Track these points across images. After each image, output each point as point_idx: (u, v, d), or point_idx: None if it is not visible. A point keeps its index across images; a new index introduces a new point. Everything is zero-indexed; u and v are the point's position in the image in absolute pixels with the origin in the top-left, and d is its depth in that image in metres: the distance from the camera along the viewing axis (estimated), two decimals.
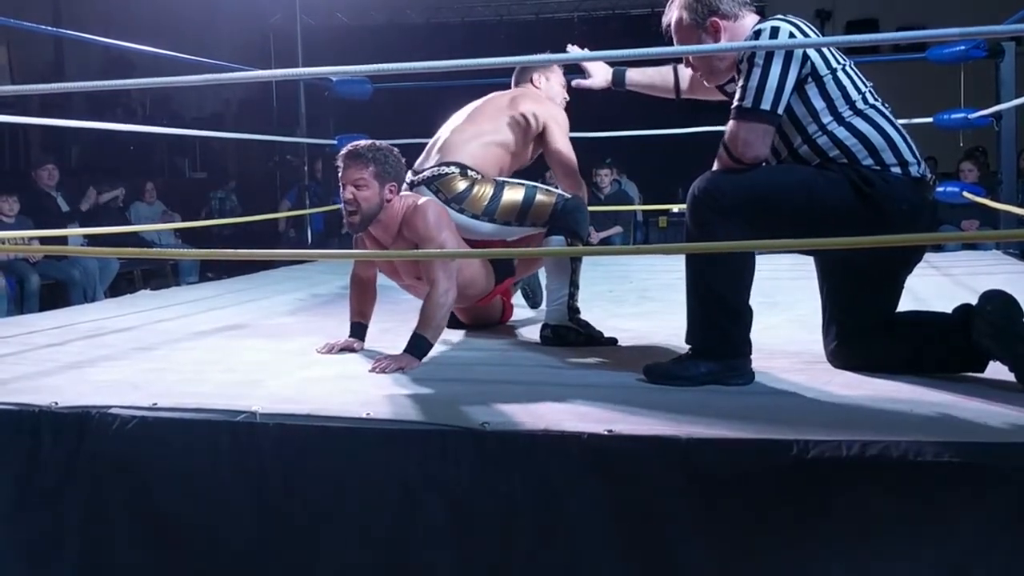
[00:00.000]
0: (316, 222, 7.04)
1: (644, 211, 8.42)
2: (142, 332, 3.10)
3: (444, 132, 2.98)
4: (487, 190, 2.81)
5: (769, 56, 2.10)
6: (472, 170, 2.83)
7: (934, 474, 1.60)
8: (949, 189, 5.26)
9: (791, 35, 2.13)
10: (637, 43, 2.34)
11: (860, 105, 2.17)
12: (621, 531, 1.72)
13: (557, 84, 3.15)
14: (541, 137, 2.97)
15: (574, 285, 2.79)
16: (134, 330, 3.14)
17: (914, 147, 2.19)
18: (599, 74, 2.87)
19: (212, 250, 6.47)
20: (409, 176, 2.86)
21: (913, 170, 2.15)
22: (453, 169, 2.82)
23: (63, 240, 6.36)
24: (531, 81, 3.12)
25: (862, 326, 2.24)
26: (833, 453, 1.63)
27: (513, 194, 2.82)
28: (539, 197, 2.82)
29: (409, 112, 8.34)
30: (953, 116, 5.09)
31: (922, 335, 2.20)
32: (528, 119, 2.95)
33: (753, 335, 2.19)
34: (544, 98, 3.07)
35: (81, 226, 6.69)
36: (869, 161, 2.13)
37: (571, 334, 2.73)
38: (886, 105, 2.23)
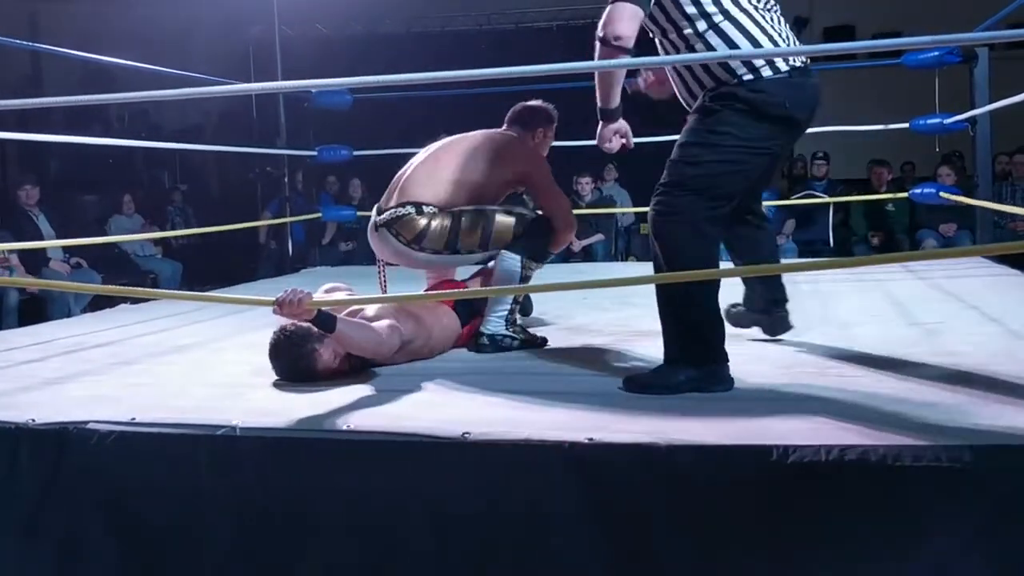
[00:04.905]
0: (297, 233, 7.00)
1: (628, 218, 8.40)
2: (121, 347, 3.08)
3: (408, 168, 2.94)
4: (445, 223, 2.79)
5: None
6: (428, 205, 2.80)
7: (914, 477, 1.62)
8: (926, 190, 5.32)
9: None
10: None
11: (732, 9, 2.22)
12: (604, 539, 1.73)
13: (548, 141, 3.10)
14: (520, 183, 3.00)
15: (516, 302, 2.82)
16: (113, 344, 3.12)
17: (786, 41, 2.26)
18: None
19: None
20: (373, 215, 2.87)
21: (781, 65, 2.22)
22: (409, 209, 2.80)
23: (42, 253, 6.31)
24: (532, 135, 3.04)
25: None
26: (813, 458, 1.64)
27: (471, 223, 2.80)
28: (499, 219, 2.81)
29: (389, 121, 8.35)
30: (929, 121, 5.13)
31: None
32: (514, 178, 2.93)
33: (734, 340, 2.20)
34: (529, 152, 2.99)
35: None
36: (743, 71, 2.20)
37: (507, 340, 2.77)
38: (768, 7, 2.28)
